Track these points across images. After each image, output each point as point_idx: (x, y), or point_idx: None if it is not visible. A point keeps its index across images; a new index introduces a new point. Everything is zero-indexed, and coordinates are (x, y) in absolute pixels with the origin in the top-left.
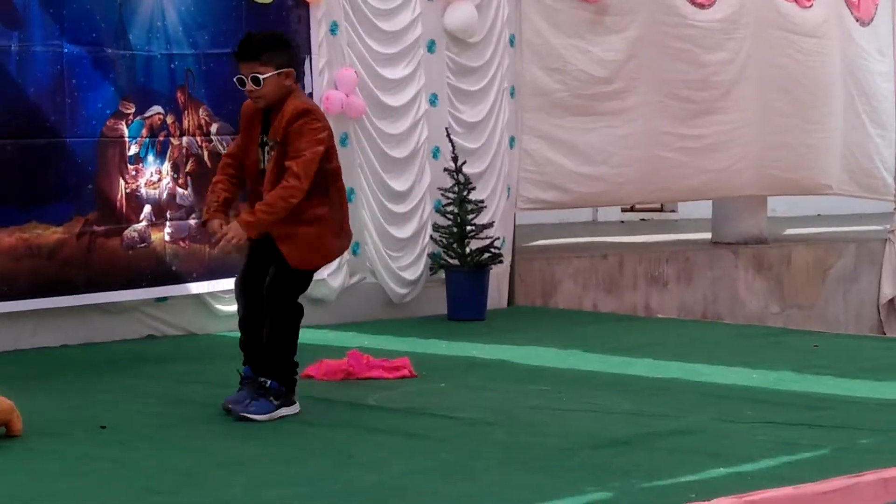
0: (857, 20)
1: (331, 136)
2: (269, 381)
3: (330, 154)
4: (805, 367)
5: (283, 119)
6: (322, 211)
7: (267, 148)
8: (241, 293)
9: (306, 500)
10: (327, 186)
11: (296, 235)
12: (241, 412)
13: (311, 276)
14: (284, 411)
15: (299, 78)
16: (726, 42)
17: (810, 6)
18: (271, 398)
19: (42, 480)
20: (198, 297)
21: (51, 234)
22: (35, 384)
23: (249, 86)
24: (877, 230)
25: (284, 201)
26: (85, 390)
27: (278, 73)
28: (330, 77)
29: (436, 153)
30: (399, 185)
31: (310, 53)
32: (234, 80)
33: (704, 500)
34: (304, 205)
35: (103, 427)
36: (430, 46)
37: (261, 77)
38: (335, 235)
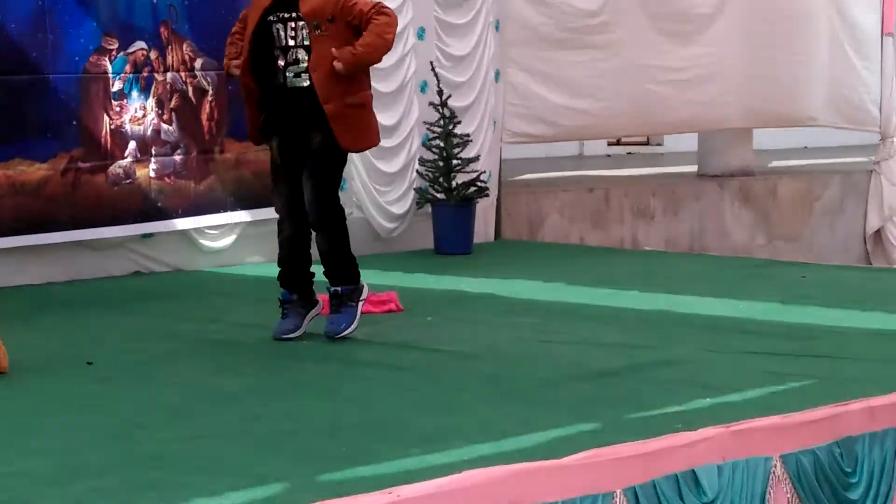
0: None
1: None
2: (341, 289)
3: None
4: (792, 298)
5: (355, 15)
6: (369, 96)
7: (315, 30)
8: (290, 216)
9: (292, 434)
10: (369, 72)
11: (348, 116)
12: (338, 334)
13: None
14: (362, 305)
15: None
16: None
17: None
18: (350, 303)
19: (28, 416)
20: (183, 233)
21: (35, 171)
22: (20, 321)
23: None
24: (862, 162)
25: (382, 38)
26: (71, 327)
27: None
28: None
29: (423, 87)
30: (386, 119)
31: None
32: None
33: (691, 430)
34: (355, 86)
35: (90, 363)
36: None
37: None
38: (376, 122)
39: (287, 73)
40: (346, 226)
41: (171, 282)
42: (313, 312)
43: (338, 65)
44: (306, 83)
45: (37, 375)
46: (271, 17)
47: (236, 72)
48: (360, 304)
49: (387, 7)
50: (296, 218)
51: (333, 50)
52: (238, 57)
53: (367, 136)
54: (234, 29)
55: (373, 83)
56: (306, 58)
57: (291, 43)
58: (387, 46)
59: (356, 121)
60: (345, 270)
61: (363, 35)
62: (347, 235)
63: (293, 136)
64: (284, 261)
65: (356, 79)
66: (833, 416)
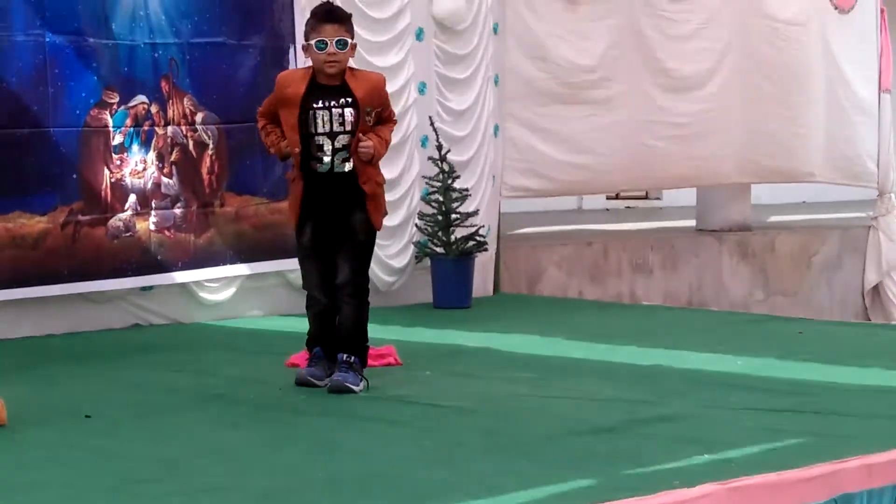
0: (836, 8)
1: None
2: (353, 358)
3: None
4: (789, 354)
5: (374, 86)
6: (383, 177)
7: (367, 116)
8: (323, 293)
9: (291, 488)
10: None
11: (378, 196)
12: (346, 383)
13: None
14: (363, 385)
15: (283, 67)
16: (705, 30)
17: None
18: (358, 371)
19: (26, 469)
20: (183, 286)
21: (35, 224)
22: (19, 374)
23: (332, 48)
24: (861, 217)
25: (390, 140)
26: (69, 380)
27: (353, 46)
28: None
29: (424, 142)
30: (388, 173)
31: (294, 42)
32: (313, 41)
33: (689, 487)
34: (378, 167)
35: (88, 416)
36: (419, 34)
37: (348, 42)
38: None
39: (336, 159)
40: (368, 307)
41: (170, 334)
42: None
43: (369, 153)
44: (349, 167)
45: (35, 428)
46: (315, 105)
47: (297, 150)
48: (362, 384)
49: (384, 84)
50: (328, 294)
51: (360, 135)
52: (283, 139)
53: (380, 214)
54: (262, 123)
55: None
56: (348, 143)
57: (339, 129)
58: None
59: (383, 200)
60: (361, 344)
61: (382, 132)
62: (367, 314)
63: (331, 218)
64: (317, 334)
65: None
66: (831, 472)
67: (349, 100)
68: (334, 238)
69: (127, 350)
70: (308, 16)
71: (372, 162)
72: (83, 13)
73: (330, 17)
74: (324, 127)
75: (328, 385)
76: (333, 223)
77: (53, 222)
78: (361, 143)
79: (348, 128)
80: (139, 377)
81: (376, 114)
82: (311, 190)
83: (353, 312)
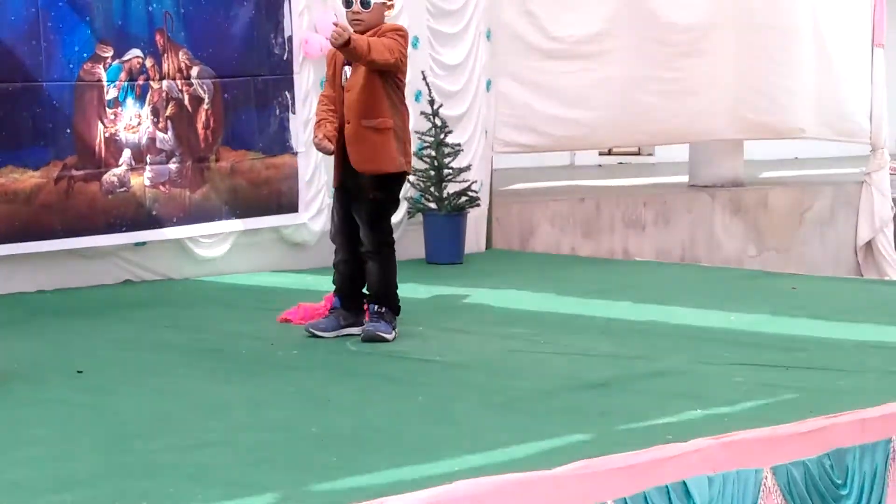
0: None
1: (406, 61)
2: (384, 308)
3: (403, 74)
4: (782, 310)
5: (377, 34)
6: (388, 123)
7: (350, 64)
8: (343, 245)
9: (284, 443)
10: (395, 102)
11: (364, 138)
12: (377, 332)
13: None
14: (395, 333)
15: (279, 21)
16: None
17: None
18: (389, 319)
19: (19, 426)
20: (176, 241)
21: (28, 179)
22: (10, 329)
23: (357, 7)
24: (853, 173)
25: (386, 48)
26: (61, 335)
27: (383, 3)
28: (310, 20)
29: (418, 96)
30: None
31: None
32: (357, 1)
33: (681, 441)
34: (375, 111)
35: (80, 372)
36: None
37: (371, 1)
38: (397, 149)
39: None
40: (393, 257)
41: (162, 290)
42: (351, 329)
43: (340, 33)
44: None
45: (26, 384)
46: (345, 63)
47: (331, 148)
48: (394, 332)
49: (394, 46)
50: (347, 246)
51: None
52: (322, 130)
53: (382, 161)
54: (321, 105)
55: None
56: None
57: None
58: (383, 58)
59: (371, 144)
60: (389, 295)
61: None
62: (394, 266)
63: (349, 172)
64: (335, 283)
65: (377, 104)
66: (824, 427)
67: None
68: (353, 192)
69: (119, 306)
70: None
71: (345, 46)
72: None
73: None
74: (345, 82)
75: (361, 335)
76: (351, 177)
77: (47, 177)
78: (335, 29)
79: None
80: (131, 333)
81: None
82: (340, 144)
83: (376, 269)
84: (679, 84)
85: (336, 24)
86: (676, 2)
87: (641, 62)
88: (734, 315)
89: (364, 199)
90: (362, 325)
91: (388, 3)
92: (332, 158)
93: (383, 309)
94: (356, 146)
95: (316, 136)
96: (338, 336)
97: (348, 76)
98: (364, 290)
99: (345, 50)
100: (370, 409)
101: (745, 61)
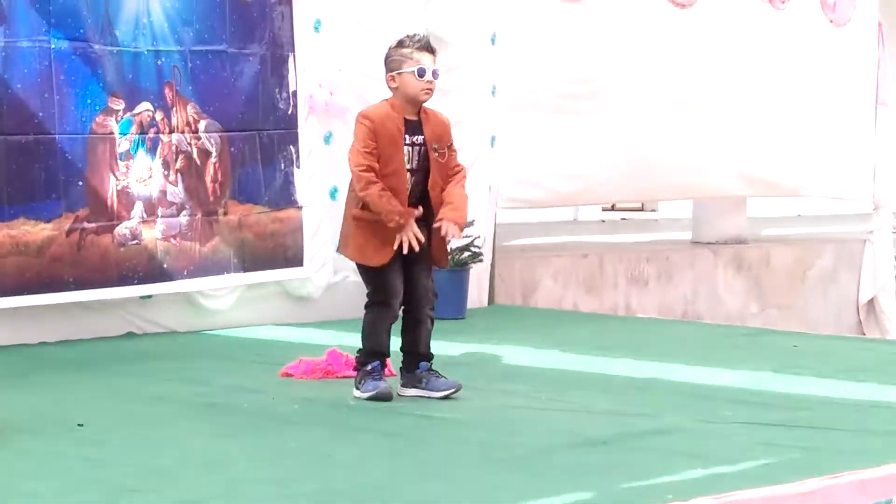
0: (832, 21)
1: None
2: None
3: None
4: (784, 368)
5: (442, 123)
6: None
7: (434, 152)
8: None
9: (284, 499)
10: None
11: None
12: (452, 389)
13: None
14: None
15: (283, 75)
16: (704, 42)
17: (784, 7)
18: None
19: (18, 478)
20: (182, 293)
21: (39, 231)
22: (10, 381)
23: (429, 76)
24: (856, 231)
25: (464, 197)
26: (62, 388)
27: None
28: (314, 75)
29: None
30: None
31: (293, 51)
32: (411, 69)
33: (682, 501)
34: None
35: (80, 425)
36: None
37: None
38: None
39: (410, 197)
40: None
41: (164, 343)
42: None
43: (453, 231)
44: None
45: (27, 436)
46: (405, 141)
47: (418, 212)
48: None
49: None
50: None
51: (444, 219)
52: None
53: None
54: (372, 175)
55: None
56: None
57: (415, 166)
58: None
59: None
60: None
61: (452, 194)
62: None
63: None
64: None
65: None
66: (824, 488)
67: (420, 137)
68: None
69: (121, 358)
70: (395, 45)
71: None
72: (87, 19)
73: (430, 46)
74: (410, 163)
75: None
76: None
77: (58, 229)
78: (443, 230)
79: (416, 164)
80: (132, 385)
81: (444, 150)
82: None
83: (429, 324)
84: (682, 140)
85: (447, 236)
86: (679, 58)
87: (645, 118)
88: (736, 372)
89: (429, 262)
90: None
91: None
92: (340, 207)
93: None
94: (437, 240)
95: (394, 214)
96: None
97: (414, 164)
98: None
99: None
100: (370, 466)
101: (748, 118)
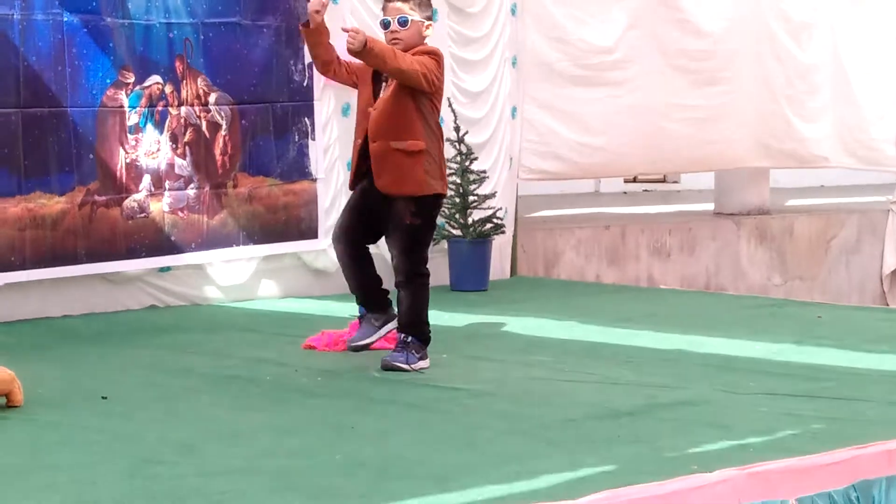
0: None
1: (442, 84)
2: (409, 338)
3: (437, 96)
4: (808, 339)
5: (412, 52)
6: (420, 145)
7: (385, 82)
8: (345, 241)
9: (307, 471)
10: (430, 125)
11: (389, 158)
12: (394, 362)
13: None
14: (421, 364)
15: (299, 47)
16: (725, 11)
17: None
18: (413, 351)
19: (42, 451)
20: (199, 267)
21: (54, 204)
22: (36, 354)
23: (394, 26)
24: (879, 201)
25: (412, 64)
26: (86, 361)
27: (422, 22)
28: None
29: (441, 123)
30: None
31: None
32: (379, 22)
33: (707, 472)
34: (405, 133)
35: (104, 398)
36: (433, 15)
37: (409, 18)
38: (431, 171)
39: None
40: (427, 289)
41: (186, 315)
42: (389, 325)
43: (357, 37)
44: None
45: (51, 409)
46: (383, 79)
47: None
48: (421, 362)
49: (430, 65)
50: (350, 242)
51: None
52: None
53: (410, 184)
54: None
55: None
56: None
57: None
58: (395, 64)
59: (398, 166)
60: (418, 325)
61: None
62: (426, 297)
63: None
64: (354, 289)
65: (409, 126)
66: (850, 458)
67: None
68: (385, 218)
69: (143, 331)
70: None
71: (361, 49)
72: None
73: None
74: (375, 96)
75: (382, 360)
76: (382, 201)
77: (71, 202)
78: (349, 33)
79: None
80: (155, 358)
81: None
82: (362, 154)
83: (408, 299)
84: (704, 112)
85: (347, 29)
86: (700, 29)
87: (666, 89)
88: (759, 344)
89: (399, 224)
90: (395, 317)
91: (427, 22)
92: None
93: (409, 339)
94: (382, 168)
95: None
96: (380, 338)
97: (382, 90)
98: (381, 285)
99: (365, 56)
100: (394, 437)
101: (768, 89)
